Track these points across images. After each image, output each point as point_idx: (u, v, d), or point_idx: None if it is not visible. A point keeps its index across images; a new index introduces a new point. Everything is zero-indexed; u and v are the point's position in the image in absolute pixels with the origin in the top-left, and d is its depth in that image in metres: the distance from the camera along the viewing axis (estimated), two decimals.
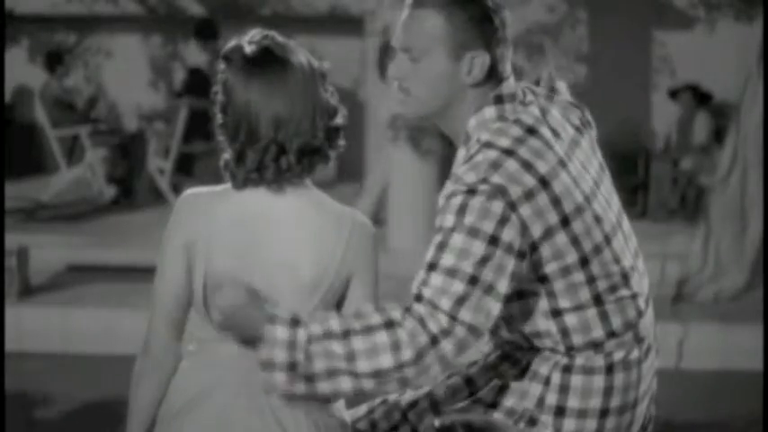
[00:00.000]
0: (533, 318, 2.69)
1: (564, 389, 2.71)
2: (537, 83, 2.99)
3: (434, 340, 2.49)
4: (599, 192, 2.74)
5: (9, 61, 11.20)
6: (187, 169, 10.85)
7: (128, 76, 12.39)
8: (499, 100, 2.70)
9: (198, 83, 10.57)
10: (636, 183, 10.79)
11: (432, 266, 2.53)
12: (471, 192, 2.55)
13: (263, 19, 10.02)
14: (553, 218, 2.60)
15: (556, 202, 2.61)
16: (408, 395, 2.99)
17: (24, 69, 12.20)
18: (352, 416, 2.93)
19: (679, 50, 11.60)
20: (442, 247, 2.54)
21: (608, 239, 2.70)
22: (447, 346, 2.50)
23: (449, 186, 2.61)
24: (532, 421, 2.73)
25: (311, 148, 2.67)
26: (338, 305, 2.72)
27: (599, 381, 2.71)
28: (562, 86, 3.04)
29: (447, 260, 2.52)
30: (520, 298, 2.67)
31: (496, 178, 2.56)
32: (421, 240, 8.57)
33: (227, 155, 2.69)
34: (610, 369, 2.72)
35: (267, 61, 2.65)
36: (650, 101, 11.87)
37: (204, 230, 2.66)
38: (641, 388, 2.78)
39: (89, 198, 10.86)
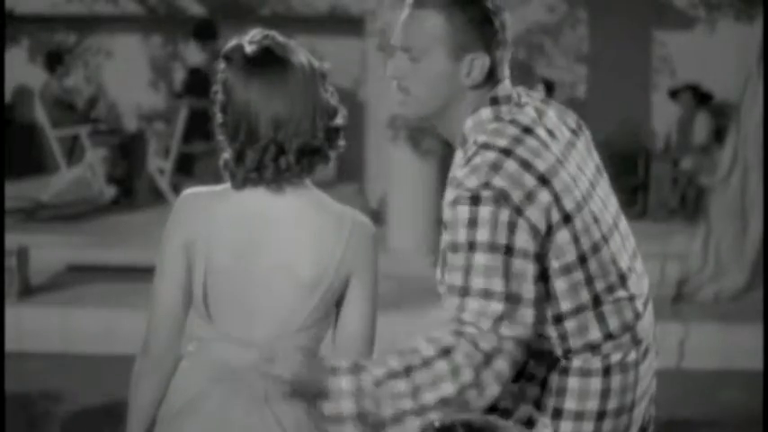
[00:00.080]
0: None
1: (561, 391, 2.70)
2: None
3: (488, 359, 2.50)
4: (595, 193, 2.74)
5: (9, 61, 11.20)
6: (187, 169, 10.84)
7: (128, 76, 12.38)
8: (495, 101, 2.70)
9: (198, 83, 10.57)
10: (636, 183, 10.79)
11: (464, 291, 2.54)
12: (475, 199, 2.55)
13: (262, 19, 10.01)
14: (555, 215, 2.60)
15: (557, 199, 2.61)
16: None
17: (24, 69, 12.20)
18: None
19: (679, 50, 11.60)
20: (468, 270, 2.54)
21: (605, 239, 2.70)
22: (500, 363, 2.51)
23: (451, 192, 2.61)
24: (531, 422, 2.73)
25: (311, 149, 2.66)
26: (337, 304, 2.72)
27: (596, 383, 2.71)
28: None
29: (477, 283, 2.53)
30: None
31: (498, 181, 2.56)
32: (421, 240, 8.58)
33: (226, 154, 2.69)
34: (607, 371, 2.72)
35: (267, 61, 2.65)
36: (650, 101, 11.86)
37: (204, 230, 2.66)
38: (638, 390, 2.78)
39: (89, 198, 10.86)
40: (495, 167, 2.58)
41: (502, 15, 2.70)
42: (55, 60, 11.09)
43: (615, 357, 2.72)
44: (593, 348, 2.70)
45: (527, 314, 2.55)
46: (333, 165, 2.78)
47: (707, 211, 8.36)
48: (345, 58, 10.65)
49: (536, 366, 2.74)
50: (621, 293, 2.71)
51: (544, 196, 2.58)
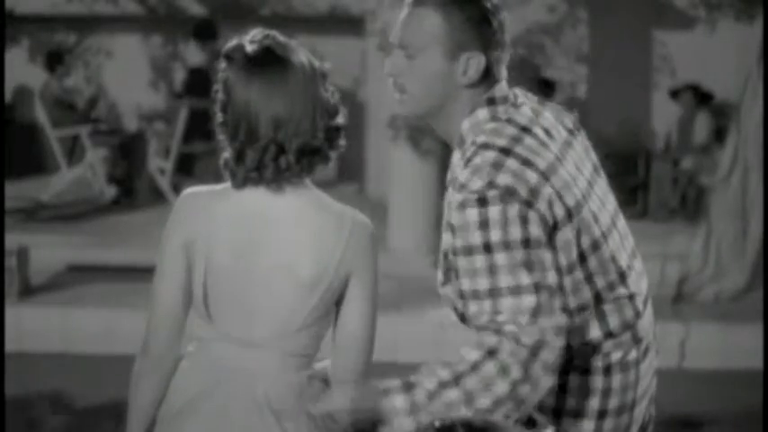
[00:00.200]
0: None
1: (561, 390, 2.70)
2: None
3: (533, 352, 2.51)
4: (593, 192, 2.76)
5: (9, 61, 11.19)
6: (187, 169, 10.85)
7: (128, 76, 12.38)
8: (492, 102, 2.71)
9: (198, 83, 10.56)
10: (636, 182, 10.79)
11: (493, 293, 2.54)
12: (483, 200, 2.56)
13: (263, 19, 10.01)
14: (559, 211, 2.62)
15: (559, 195, 2.62)
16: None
17: (24, 69, 12.20)
18: None
19: (679, 50, 11.60)
20: (491, 272, 2.55)
21: (604, 237, 2.72)
22: (546, 353, 2.52)
23: (455, 195, 2.61)
24: (532, 422, 2.73)
25: (311, 148, 2.66)
26: (337, 304, 2.72)
27: (596, 382, 2.71)
28: None
29: (504, 282, 2.54)
30: None
31: (502, 179, 2.57)
32: (421, 240, 8.58)
33: (226, 154, 2.69)
34: (607, 370, 2.72)
35: (268, 61, 2.65)
36: (651, 101, 11.86)
37: (204, 229, 2.66)
38: (639, 389, 2.78)
39: (89, 198, 10.86)
40: (497, 166, 2.58)
41: (500, 15, 2.70)
42: (55, 60, 11.09)
43: (616, 356, 2.72)
44: (593, 347, 2.70)
45: (557, 301, 2.57)
46: (333, 165, 2.78)
47: (707, 211, 8.35)
48: (345, 58, 10.65)
49: None
50: (622, 291, 2.72)
51: (547, 192, 2.60)
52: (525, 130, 2.68)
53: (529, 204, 2.56)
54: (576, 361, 2.70)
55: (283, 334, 2.68)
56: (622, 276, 2.73)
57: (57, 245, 8.87)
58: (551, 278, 2.57)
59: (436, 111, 2.74)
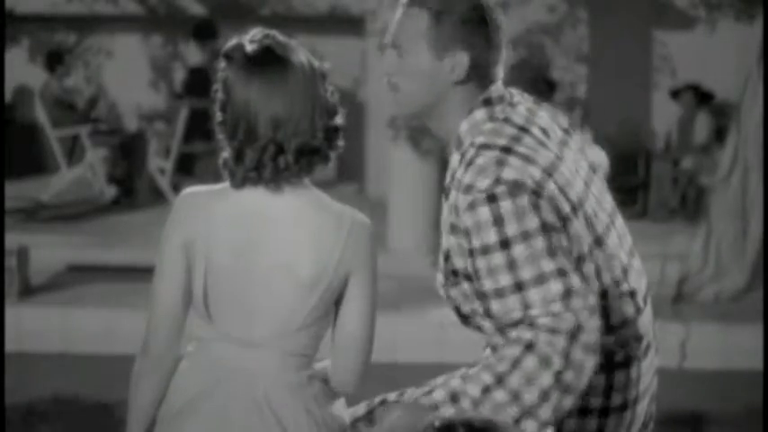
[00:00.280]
0: None
1: None
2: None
3: (572, 336, 2.50)
4: (590, 191, 2.77)
5: (9, 61, 11.19)
6: (188, 169, 10.84)
7: (128, 76, 12.38)
8: (488, 102, 2.73)
9: (198, 83, 10.56)
10: (636, 182, 10.78)
11: (518, 287, 2.54)
12: (492, 197, 2.56)
13: (263, 19, 10.01)
14: (565, 206, 2.63)
15: (561, 191, 2.64)
16: (408, 395, 2.98)
17: (24, 69, 12.19)
18: (352, 415, 2.93)
19: (679, 50, 11.60)
20: (512, 266, 2.54)
21: (604, 235, 2.74)
22: (584, 336, 2.51)
23: (461, 197, 2.61)
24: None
25: (310, 148, 2.66)
26: (337, 303, 2.72)
27: (599, 379, 2.71)
28: None
29: (527, 273, 2.53)
30: None
31: (508, 174, 2.58)
32: (421, 240, 8.58)
33: (226, 153, 2.69)
34: (610, 367, 2.73)
35: (268, 60, 2.65)
36: (651, 100, 11.86)
37: (203, 229, 2.66)
38: (641, 386, 2.79)
39: (89, 198, 10.86)
40: (501, 164, 2.60)
41: (493, 16, 2.72)
42: (55, 60, 11.09)
43: (618, 353, 2.73)
44: None
45: (582, 278, 2.57)
46: (333, 165, 2.78)
47: (707, 211, 8.35)
48: (345, 58, 10.64)
49: None
50: (625, 287, 2.74)
51: (551, 187, 2.61)
52: (523, 129, 2.70)
53: (538, 194, 2.57)
54: None
55: (283, 334, 2.68)
56: (625, 273, 2.75)
57: (57, 245, 8.87)
58: (572, 262, 2.58)
59: (429, 110, 2.77)
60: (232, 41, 2.71)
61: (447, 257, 2.73)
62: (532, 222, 2.55)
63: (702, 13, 10.95)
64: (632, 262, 2.82)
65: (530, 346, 2.50)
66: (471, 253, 2.60)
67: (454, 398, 2.55)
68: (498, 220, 2.55)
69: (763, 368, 6.68)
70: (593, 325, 2.52)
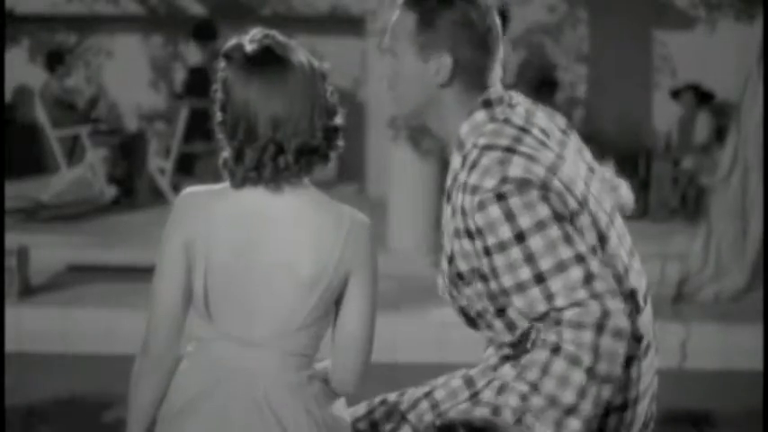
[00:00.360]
0: None
1: None
2: None
3: (599, 327, 2.50)
4: (590, 191, 2.78)
5: (9, 61, 11.20)
6: (188, 169, 10.85)
7: (128, 76, 12.38)
8: (488, 104, 2.76)
9: (198, 83, 10.57)
10: (636, 182, 10.78)
11: (539, 278, 2.54)
12: (501, 195, 2.58)
13: (263, 19, 10.02)
14: (571, 202, 2.64)
15: (566, 188, 2.65)
16: (408, 395, 2.98)
17: (25, 69, 12.20)
18: (352, 415, 2.93)
19: (680, 50, 11.60)
20: (530, 259, 2.55)
21: (606, 233, 2.74)
22: (611, 321, 2.51)
23: (469, 198, 2.62)
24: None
25: (309, 148, 2.67)
26: (337, 303, 2.72)
27: None
28: None
29: (546, 263, 2.54)
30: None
31: (513, 172, 2.60)
32: (421, 240, 8.58)
33: (225, 153, 2.69)
34: None
35: (267, 60, 2.65)
36: (651, 100, 11.86)
37: (203, 229, 2.66)
38: (641, 386, 2.79)
39: (89, 198, 10.86)
40: (505, 163, 2.62)
41: (486, 20, 2.73)
42: (55, 60, 11.09)
43: None
44: None
45: (599, 261, 2.57)
46: (333, 165, 2.78)
47: (707, 211, 8.35)
48: (345, 58, 10.65)
49: None
50: (626, 286, 2.74)
51: (556, 185, 2.62)
52: (524, 130, 2.72)
53: (545, 187, 2.59)
54: None
55: (283, 333, 2.68)
56: (625, 272, 2.76)
57: (57, 245, 8.88)
58: (587, 246, 2.58)
59: (423, 111, 2.80)
60: (232, 41, 2.71)
61: (451, 261, 2.73)
62: (544, 211, 2.56)
63: (702, 13, 10.97)
64: (632, 262, 2.83)
65: (556, 350, 2.51)
66: (487, 252, 2.60)
67: (495, 411, 2.58)
68: (510, 216, 2.56)
69: (763, 368, 6.68)
70: (618, 306, 2.52)
